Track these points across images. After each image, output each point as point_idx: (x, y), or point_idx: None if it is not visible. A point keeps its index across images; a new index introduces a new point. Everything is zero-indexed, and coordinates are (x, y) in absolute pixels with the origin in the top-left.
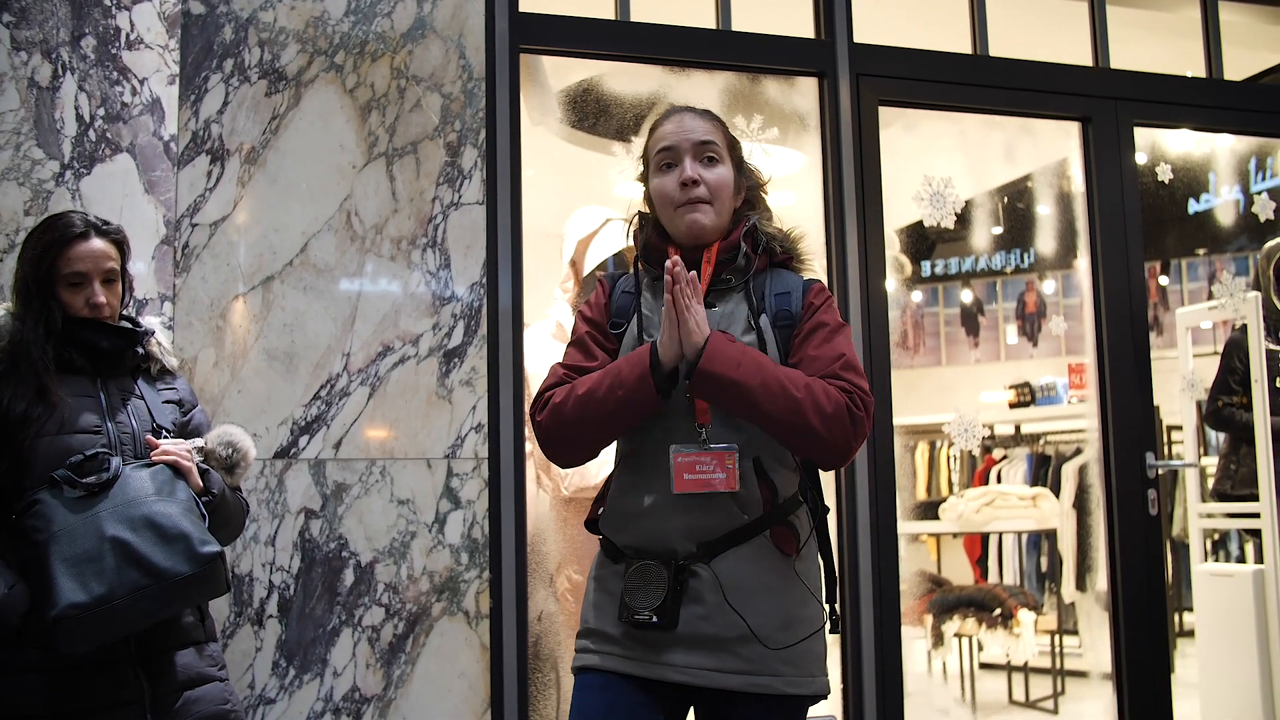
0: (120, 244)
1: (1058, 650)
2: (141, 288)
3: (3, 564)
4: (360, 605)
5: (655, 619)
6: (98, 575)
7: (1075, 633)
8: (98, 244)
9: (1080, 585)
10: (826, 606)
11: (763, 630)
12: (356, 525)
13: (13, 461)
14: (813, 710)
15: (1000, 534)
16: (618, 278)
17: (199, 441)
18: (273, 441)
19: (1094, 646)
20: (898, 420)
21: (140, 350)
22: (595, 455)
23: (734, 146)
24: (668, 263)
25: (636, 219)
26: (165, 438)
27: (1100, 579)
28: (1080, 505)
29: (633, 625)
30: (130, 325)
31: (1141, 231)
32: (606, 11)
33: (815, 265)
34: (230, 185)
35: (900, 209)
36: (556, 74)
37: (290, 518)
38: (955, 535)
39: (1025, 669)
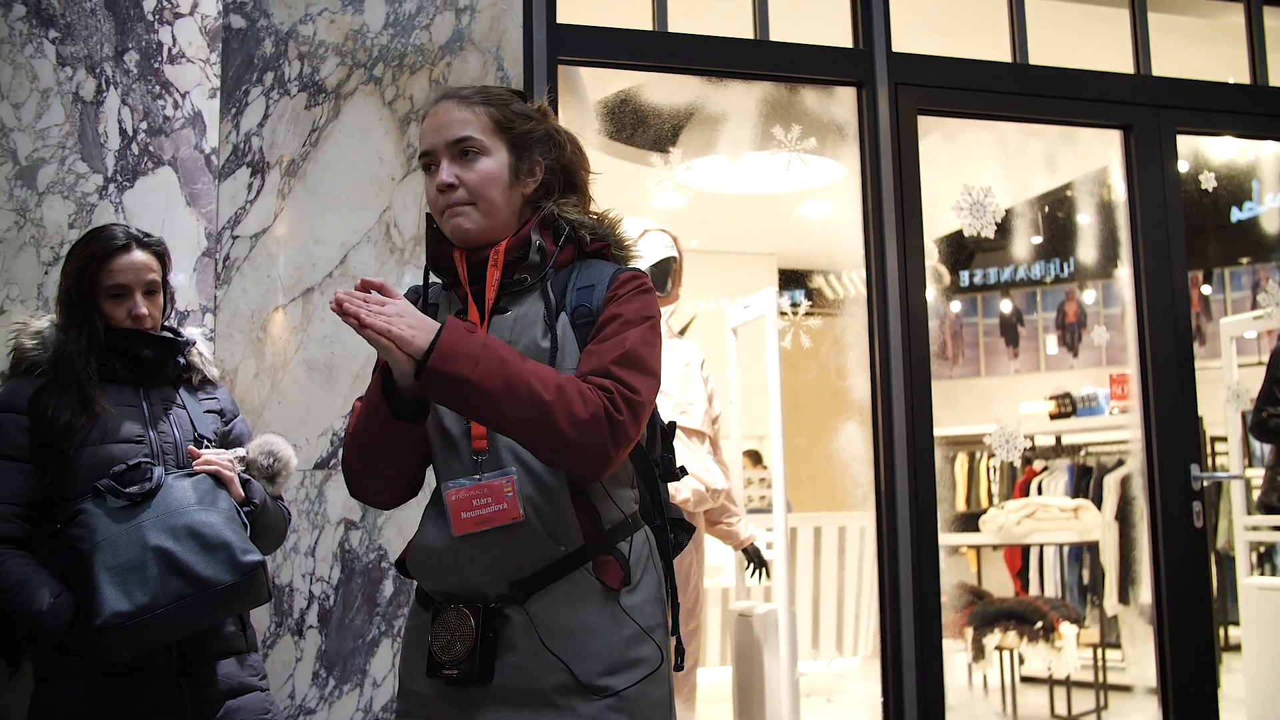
0: (161, 256)
1: (1100, 664)
2: (183, 299)
3: (47, 573)
4: (400, 616)
5: (460, 673)
6: (141, 584)
7: (1118, 646)
8: (139, 256)
9: (1123, 598)
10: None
11: (586, 676)
12: (396, 536)
13: (57, 471)
14: None
15: (1041, 546)
16: (418, 295)
17: (240, 451)
18: (313, 452)
19: (1137, 660)
20: (937, 432)
21: (182, 360)
22: (405, 490)
23: (509, 126)
24: (331, 301)
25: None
26: (207, 447)
27: (1143, 592)
28: (1123, 517)
29: (444, 681)
30: (172, 336)
31: (1184, 240)
32: (644, 22)
33: (640, 253)
34: (270, 197)
35: (939, 218)
36: (594, 85)
37: (330, 528)
38: (995, 547)
39: (1067, 683)
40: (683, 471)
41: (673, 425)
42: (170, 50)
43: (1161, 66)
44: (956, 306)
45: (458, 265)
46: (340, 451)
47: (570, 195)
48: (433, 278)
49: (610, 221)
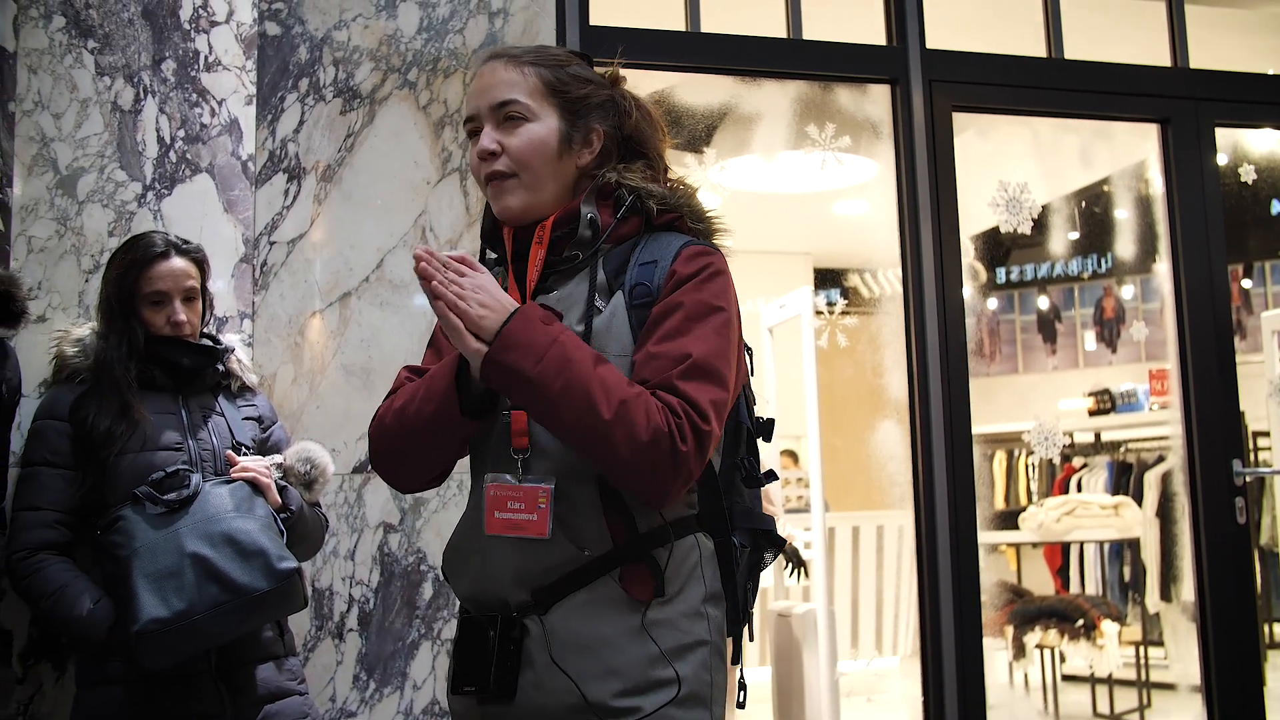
0: (200, 263)
1: (1143, 662)
2: (221, 305)
3: (88, 579)
4: (439, 618)
5: (478, 689)
6: (178, 591)
7: (1160, 644)
8: (178, 263)
9: (1165, 595)
10: (688, 669)
11: (598, 696)
12: (434, 538)
13: (97, 478)
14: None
15: (1081, 543)
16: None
17: (278, 458)
18: (351, 456)
19: (1180, 658)
20: (975, 429)
21: (220, 367)
22: (434, 478)
23: (562, 89)
24: (414, 257)
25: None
26: (245, 454)
27: (1186, 589)
28: (1164, 514)
29: (472, 698)
30: (210, 343)
31: (1223, 233)
32: (677, 23)
33: (725, 225)
34: (307, 203)
35: (975, 215)
36: (628, 85)
37: (369, 532)
38: (1035, 545)
39: (1109, 681)
40: (770, 476)
41: (765, 424)
42: (206, 58)
43: (1199, 59)
44: (993, 303)
45: (505, 241)
46: None
47: (635, 162)
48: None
49: (685, 190)
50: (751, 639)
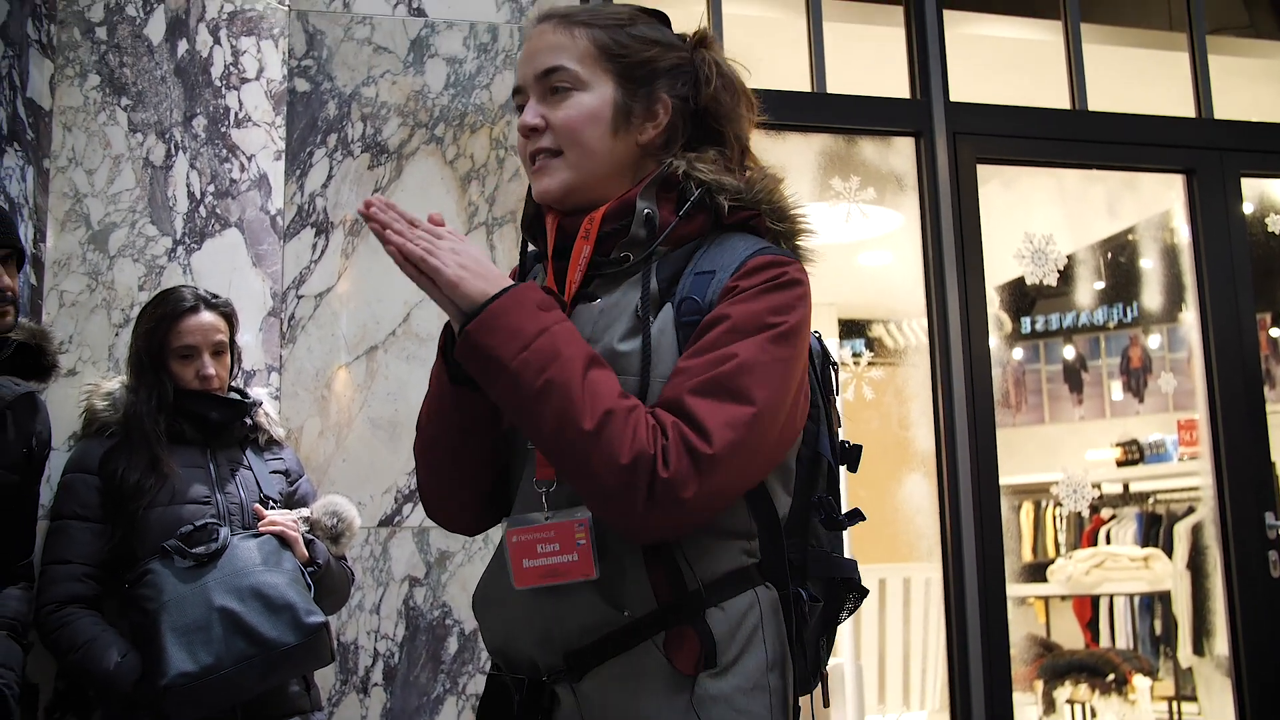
0: (229, 316)
1: (1176, 717)
2: (249, 359)
3: (115, 632)
4: (464, 673)
5: None
6: (206, 645)
7: (1194, 699)
8: (207, 317)
9: (1198, 650)
10: None
11: None
12: (460, 593)
13: (126, 531)
14: None
15: (1111, 596)
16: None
17: (305, 512)
18: (377, 510)
19: (1214, 714)
20: (1001, 480)
21: (248, 421)
22: (483, 509)
23: (620, 53)
24: (360, 206)
25: None
26: (272, 508)
27: (1219, 643)
28: (1195, 566)
29: None
30: (239, 396)
31: (1251, 283)
32: None
33: (811, 226)
34: (334, 257)
35: (1000, 265)
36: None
37: (394, 585)
38: (1064, 598)
39: None
40: (856, 516)
41: (850, 451)
42: (237, 114)
43: (1223, 109)
44: (1018, 353)
45: (548, 232)
46: (403, 507)
47: (711, 148)
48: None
49: (767, 181)
50: (826, 704)
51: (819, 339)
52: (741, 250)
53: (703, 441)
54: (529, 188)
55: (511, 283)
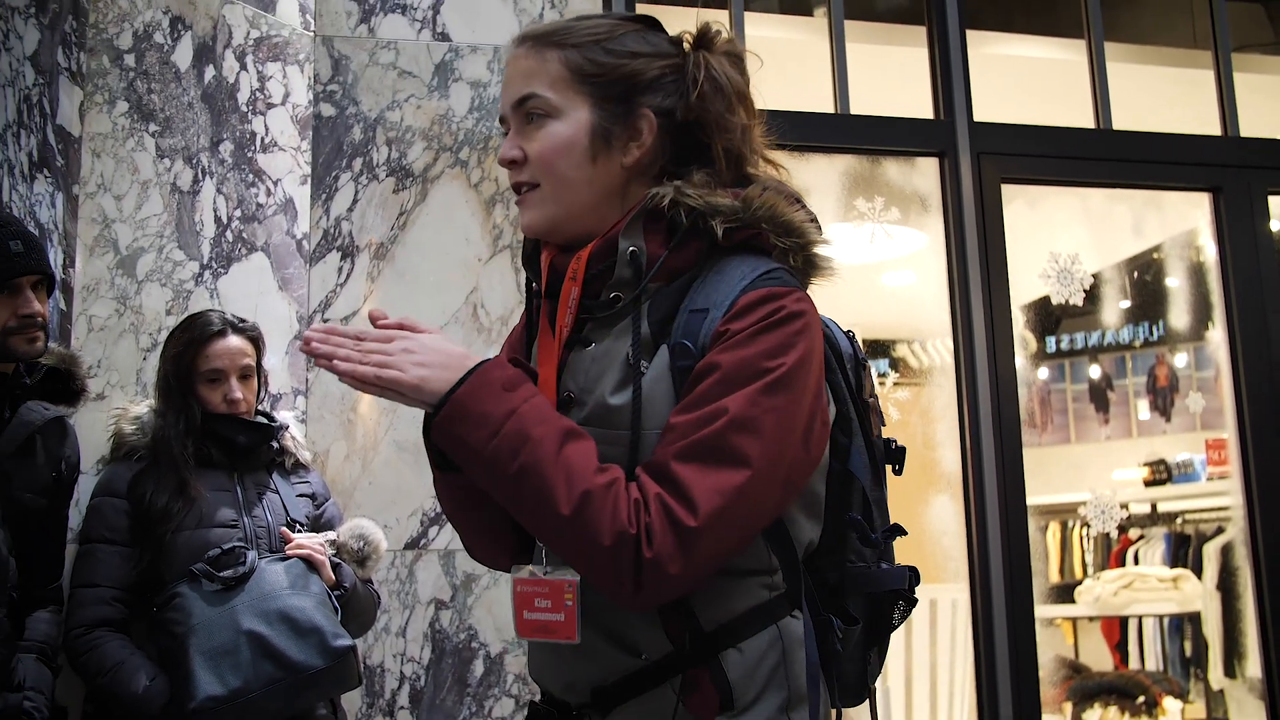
0: (256, 340)
1: None
2: (276, 382)
3: (144, 656)
4: (490, 696)
5: None
6: (234, 668)
7: None
8: (234, 341)
9: (1229, 672)
10: None
11: None
12: (486, 616)
13: (154, 555)
14: None
15: (1140, 617)
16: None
17: (331, 535)
18: (403, 533)
19: None
20: (1028, 501)
21: (275, 444)
22: (490, 551)
23: (596, 73)
24: (300, 344)
25: None
26: (299, 531)
27: (1251, 665)
28: (1225, 587)
29: None
30: (265, 420)
31: None
32: None
33: (822, 237)
34: (360, 280)
35: (1025, 285)
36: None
37: (421, 608)
38: (1092, 619)
39: None
40: (896, 531)
41: (895, 452)
42: (263, 139)
43: (1249, 127)
44: (1044, 373)
45: (542, 270)
46: (429, 530)
47: (699, 166)
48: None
49: (766, 198)
50: (874, 718)
51: (851, 338)
52: (736, 282)
53: (688, 513)
54: None
55: (475, 363)
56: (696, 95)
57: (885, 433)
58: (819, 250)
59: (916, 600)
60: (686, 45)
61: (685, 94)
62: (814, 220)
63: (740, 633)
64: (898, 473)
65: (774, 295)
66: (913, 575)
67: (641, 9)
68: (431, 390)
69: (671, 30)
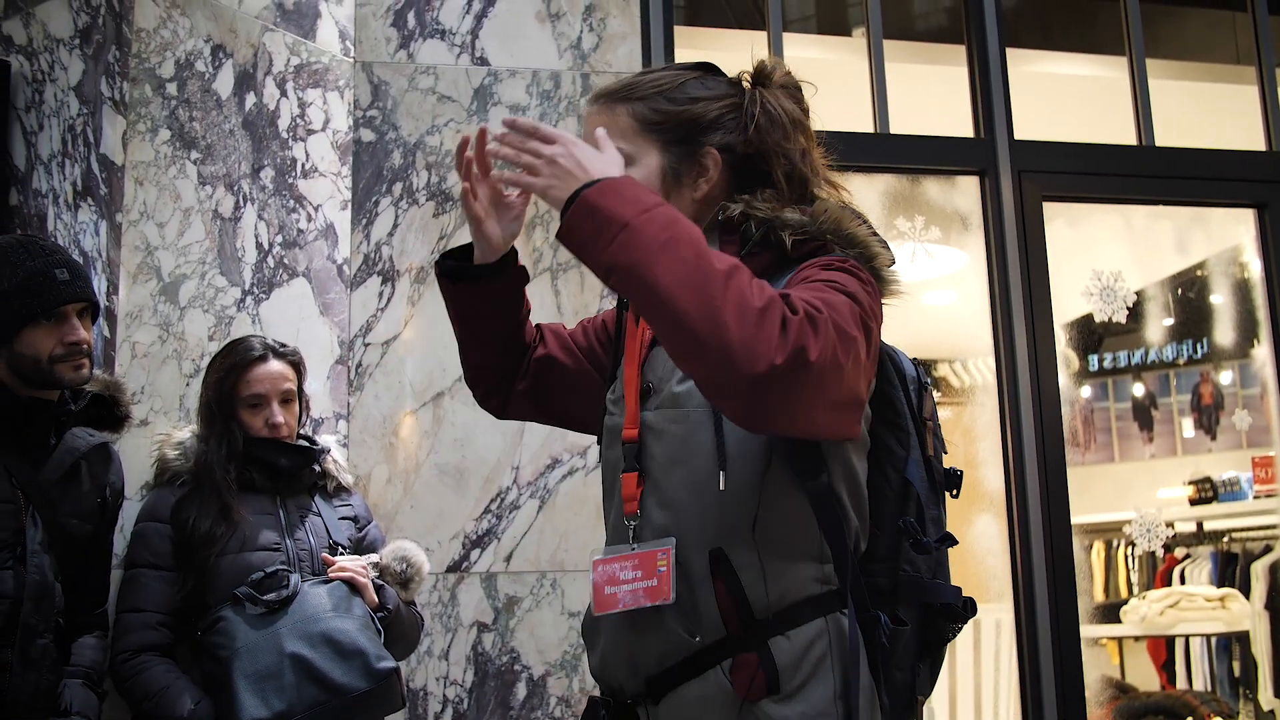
0: (297, 365)
1: None
2: (317, 407)
3: (188, 680)
4: (533, 719)
5: None
6: (278, 691)
7: None
8: (275, 366)
9: (1279, 692)
10: None
11: None
12: (528, 638)
13: (198, 579)
14: None
15: (1187, 637)
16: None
17: (374, 557)
18: (445, 555)
19: None
20: (1072, 520)
21: (317, 468)
22: (480, 368)
23: (660, 121)
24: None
25: None
26: (341, 554)
27: None
28: (1273, 606)
29: None
30: (307, 444)
31: None
32: None
33: (884, 249)
34: (401, 305)
35: (1067, 303)
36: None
37: (463, 631)
38: (1138, 639)
39: None
40: (947, 540)
41: (953, 476)
42: (304, 165)
43: None
44: (1087, 392)
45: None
46: (471, 553)
47: (768, 187)
48: None
49: (831, 212)
50: None
51: (916, 363)
52: (797, 266)
53: (820, 310)
54: None
55: (621, 169)
56: (754, 129)
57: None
58: (885, 268)
59: (968, 617)
60: (746, 84)
61: (744, 129)
62: (877, 235)
63: (790, 621)
64: (955, 496)
65: (835, 262)
66: (968, 602)
67: (680, 32)
68: (587, 172)
69: (728, 66)
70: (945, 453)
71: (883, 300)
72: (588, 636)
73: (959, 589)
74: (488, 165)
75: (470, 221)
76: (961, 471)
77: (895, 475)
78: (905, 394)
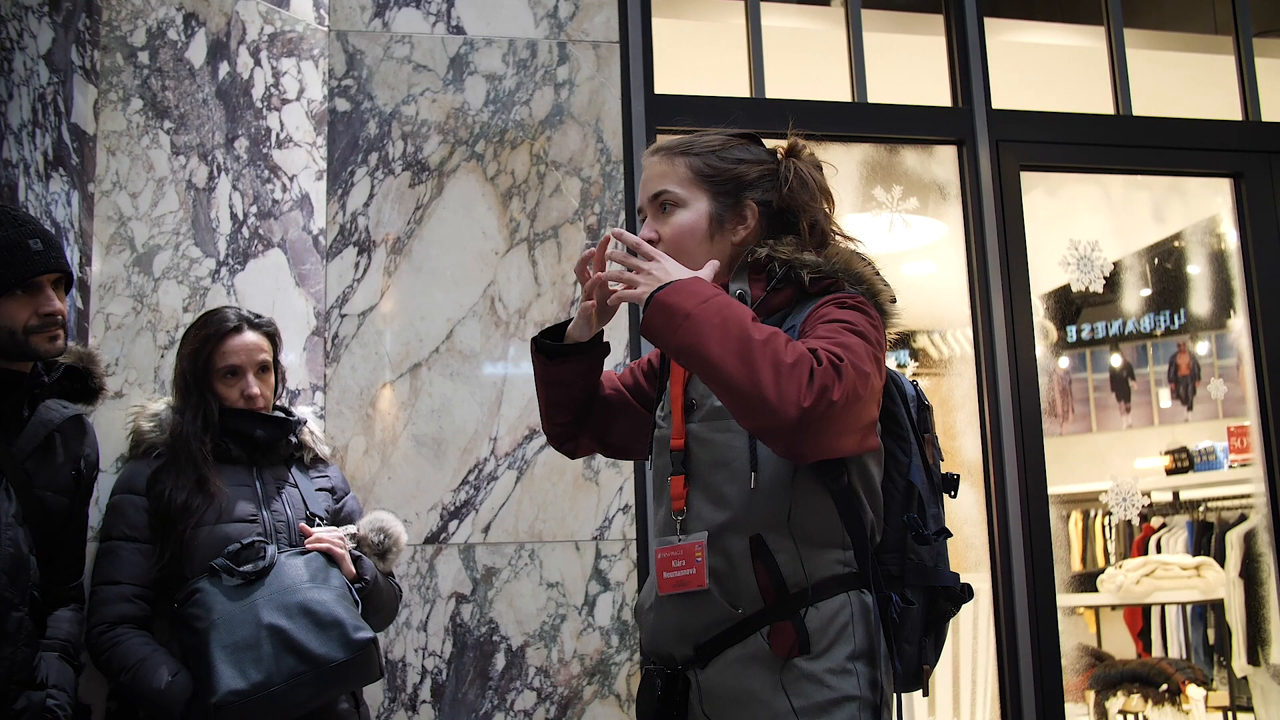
0: (272, 336)
1: None
2: (293, 378)
3: (166, 652)
4: (512, 689)
5: None
6: (256, 662)
7: (1249, 709)
8: (251, 337)
9: (1252, 659)
10: None
11: None
12: (507, 609)
13: (174, 551)
14: None
15: (1163, 605)
16: None
17: (351, 528)
18: (423, 527)
19: None
20: (1049, 490)
21: (294, 439)
22: (557, 422)
23: (712, 175)
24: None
25: None
26: (318, 525)
27: (1275, 652)
28: (1248, 574)
29: None
30: (284, 415)
31: None
32: (741, 90)
33: (887, 286)
34: (377, 275)
35: (1045, 273)
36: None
37: (441, 603)
38: (1114, 607)
39: None
40: (943, 534)
41: (950, 480)
42: (278, 135)
43: (1271, 112)
44: (1064, 362)
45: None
46: (449, 524)
47: (791, 235)
48: None
49: (842, 255)
50: (925, 693)
51: (915, 385)
52: (814, 304)
53: (843, 352)
54: None
55: (696, 274)
56: (788, 190)
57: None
58: (886, 303)
59: (966, 598)
60: (780, 154)
61: (779, 189)
62: (880, 275)
63: (818, 595)
64: (953, 496)
65: (845, 298)
66: (966, 587)
67: (659, 23)
68: (656, 280)
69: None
70: (942, 459)
71: (885, 330)
72: (641, 616)
73: (958, 575)
74: (604, 263)
75: (585, 308)
76: (958, 475)
77: (900, 478)
78: (906, 409)
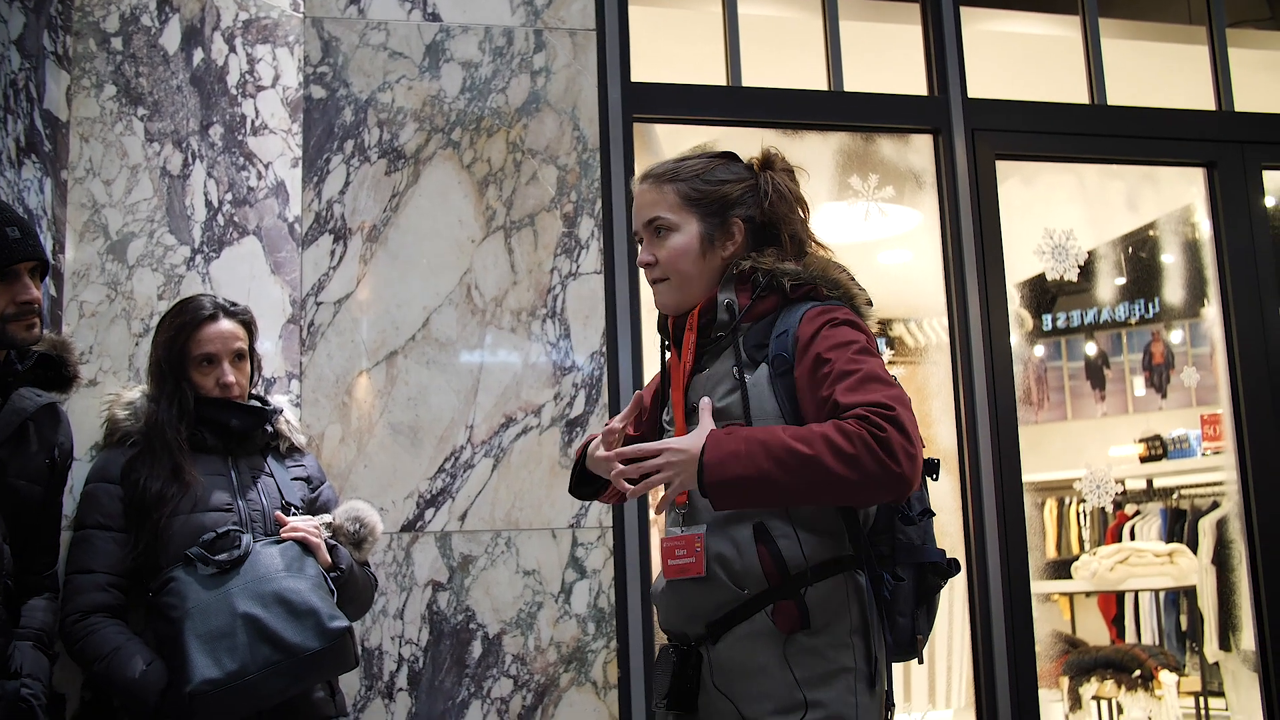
0: (248, 324)
1: (1203, 713)
2: (269, 366)
3: (140, 641)
4: (489, 677)
5: (666, 705)
6: (230, 651)
7: (1221, 694)
8: (226, 325)
9: (1224, 645)
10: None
11: (755, 714)
12: (483, 597)
13: (149, 540)
14: None
15: (1136, 592)
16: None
17: (327, 517)
18: (399, 515)
19: (1242, 709)
20: (1024, 478)
21: (269, 428)
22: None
23: (698, 198)
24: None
25: None
26: (294, 514)
27: (1246, 638)
28: (1220, 561)
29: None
30: (259, 404)
31: (1275, 276)
32: (718, 78)
33: (861, 289)
34: (353, 263)
35: (1020, 262)
36: (670, 141)
37: (418, 590)
38: (1088, 594)
39: None
40: (926, 515)
41: (929, 464)
42: (253, 122)
43: (1244, 101)
44: (1040, 351)
45: (669, 329)
46: (425, 513)
47: (772, 246)
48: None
49: (819, 263)
50: (920, 661)
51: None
52: (799, 310)
53: (885, 409)
54: None
55: (702, 438)
56: (769, 204)
57: None
58: (862, 305)
59: (948, 573)
60: (755, 167)
61: (761, 204)
62: (854, 280)
63: (817, 576)
64: (934, 479)
65: (826, 310)
66: (953, 561)
67: (635, 10)
68: (690, 475)
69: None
70: (924, 446)
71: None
72: (656, 598)
73: (944, 551)
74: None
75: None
76: (938, 460)
77: None
78: None
